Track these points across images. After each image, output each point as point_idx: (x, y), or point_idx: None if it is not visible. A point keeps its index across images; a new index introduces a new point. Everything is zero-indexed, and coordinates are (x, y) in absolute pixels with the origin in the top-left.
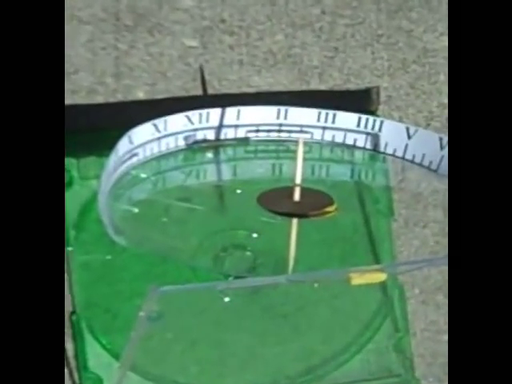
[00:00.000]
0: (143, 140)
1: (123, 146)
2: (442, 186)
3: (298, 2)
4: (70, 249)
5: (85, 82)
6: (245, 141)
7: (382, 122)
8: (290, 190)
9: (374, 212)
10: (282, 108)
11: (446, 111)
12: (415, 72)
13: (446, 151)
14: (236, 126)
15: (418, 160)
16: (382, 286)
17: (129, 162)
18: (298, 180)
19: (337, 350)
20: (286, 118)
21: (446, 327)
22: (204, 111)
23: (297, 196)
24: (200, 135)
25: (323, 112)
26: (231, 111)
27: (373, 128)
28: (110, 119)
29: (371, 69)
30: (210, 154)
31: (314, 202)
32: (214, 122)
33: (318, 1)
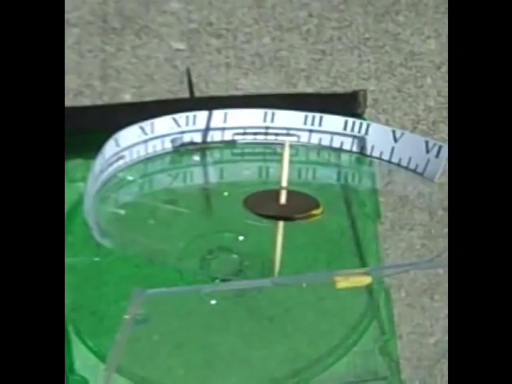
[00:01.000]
0: (130, 142)
1: (110, 148)
2: (428, 189)
3: (285, 4)
4: None
5: (72, 84)
6: (231, 143)
7: (368, 125)
8: (276, 193)
9: (361, 215)
10: (269, 111)
11: (433, 114)
12: (402, 75)
13: (432, 154)
14: (223, 129)
15: (404, 163)
16: (369, 289)
17: (115, 165)
18: (285, 183)
19: (323, 352)
20: (272, 120)
21: (431, 330)
22: (191, 114)
23: (283, 199)
24: (187, 138)
25: (310, 115)
26: (218, 114)
27: (359, 131)
28: (97, 122)
29: (358, 72)
30: (196, 157)
31: (300, 205)
32: (201, 124)
33: (305, 4)
